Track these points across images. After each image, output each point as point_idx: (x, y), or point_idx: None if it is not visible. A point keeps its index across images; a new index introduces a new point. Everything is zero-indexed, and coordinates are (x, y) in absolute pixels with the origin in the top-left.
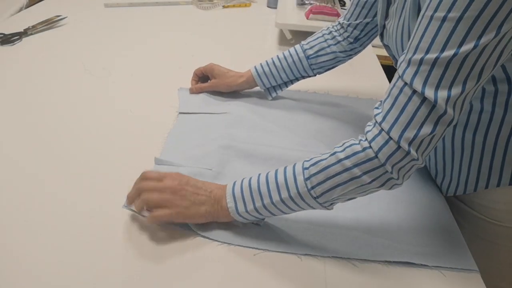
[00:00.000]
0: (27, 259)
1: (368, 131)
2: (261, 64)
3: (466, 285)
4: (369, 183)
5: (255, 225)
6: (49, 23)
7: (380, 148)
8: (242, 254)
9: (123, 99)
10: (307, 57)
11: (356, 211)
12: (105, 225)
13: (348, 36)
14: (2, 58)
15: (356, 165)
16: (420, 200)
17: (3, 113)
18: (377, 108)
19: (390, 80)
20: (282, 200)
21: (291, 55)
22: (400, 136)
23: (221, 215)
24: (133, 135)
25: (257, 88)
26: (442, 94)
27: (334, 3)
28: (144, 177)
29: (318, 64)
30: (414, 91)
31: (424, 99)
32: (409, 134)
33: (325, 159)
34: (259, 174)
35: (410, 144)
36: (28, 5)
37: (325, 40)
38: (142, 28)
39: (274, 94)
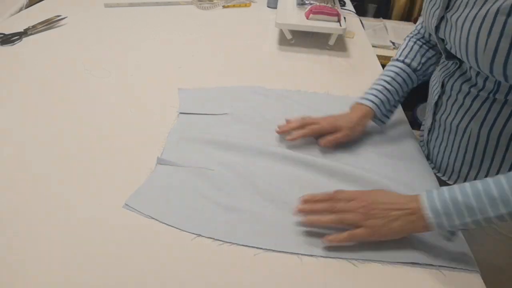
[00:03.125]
0: (27, 258)
1: None
2: (371, 94)
3: (466, 285)
4: None
5: (449, 236)
6: (49, 23)
7: None
8: (242, 254)
9: (123, 99)
10: (414, 70)
11: None
12: (105, 225)
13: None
14: (2, 58)
15: None
16: None
17: (3, 113)
18: None
19: None
20: (499, 216)
21: (397, 74)
22: None
23: (417, 227)
24: (133, 135)
25: (258, 88)
26: None
27: (334, 3)
28: (336, 197)
29: (424, 72)
30: None
31: None
32: None
33: None
34: (461, 186)
35: None
36: (28, 5)
37: (421, 46)
38: (142, 28)
39: (387, 121)
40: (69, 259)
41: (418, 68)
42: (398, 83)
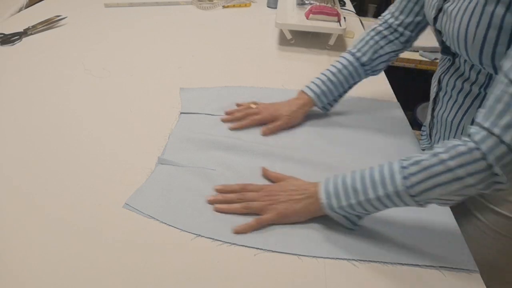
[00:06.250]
0: (27, 257)
1: (474, 133)
2: (314, 84)
3: (466, 285)
4: (473, 185)
5: (348, 228)
6: (49, 23)
7: (490, 150)
8: (242, 254)
9: (123, 99)
10: (362, 64)
11: None
12: (105, 225)
13: (399, 37)
14: (2, 58)
15: (461, 166)
16: None
17: (3, 113)
18: (483, 111)
19: (390, 80)
20: (377, 198)
21: (345, 66)
22: None
23: (316, 208)
24: (133, 135)
25: (258, 88)
26: None
27: (334, 3)
28: (246, 188)
29: (372, 69)
30: None
31: None
32: None
33: (427, 159)
34: (353, 172)
35: None
36: (28, 5)
37: (377, 42)
38: (142, 28)
39: (329, 109)
40: (69, 259)
41: (367, 63)
42: (344, 76)
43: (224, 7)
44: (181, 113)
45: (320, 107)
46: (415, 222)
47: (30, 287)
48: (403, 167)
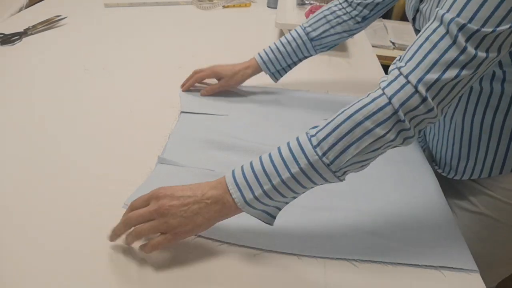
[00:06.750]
0: (25, 258)
1: (383, 80)
2: (264, 51)
3: (466, 285)
4: (383, 136)
5: (267, 224)
6: (49, 23)
7: (395, 93)
8: (242, 254)
9: (123, 99)
10: (311, 40)
11: (356, 212)
12: (105, 225)
13: (356, 15)
14: (2, 58)
15: (367, 118)
16: (421, 199)
17: (3, 113)
18: (397, 60)
19: None
20: (293, 176)
21: (294, 39)
22: (420, 80)
23: (227, 212)
24: (133, 135)
25: (258, 88)
26: (475, 40)
27: None
28: (130, 207)
29: (322, 45)
30: (442, 37)
31: (453, 42)
32: (430, 77)
33: (332, 119)
34: (260, 156)
35: (428, 89)
36: (28, 5)
37: (328, 22)
38: (142, 28)
39: (279, 77)
40: (68, 258)
41: (316, 38)
42: (292, 48)
43: (224, 7)
44: (181, 112)
45: (268, 73)
46: (415, 222)
47: (28, 286)
48: (312, 136)
